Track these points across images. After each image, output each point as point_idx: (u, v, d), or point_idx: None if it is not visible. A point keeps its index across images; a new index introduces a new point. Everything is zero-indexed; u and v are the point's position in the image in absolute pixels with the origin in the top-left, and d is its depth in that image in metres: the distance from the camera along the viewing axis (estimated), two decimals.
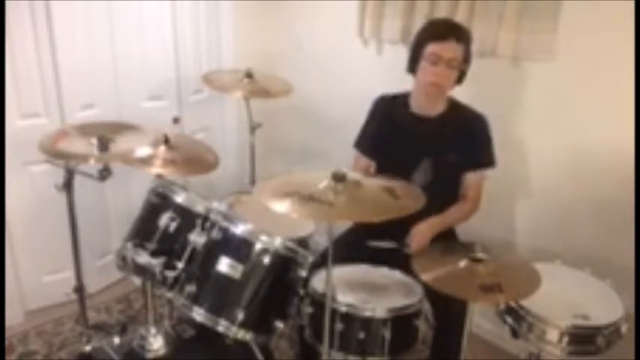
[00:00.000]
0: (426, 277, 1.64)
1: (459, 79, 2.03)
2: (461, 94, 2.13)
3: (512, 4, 2.19)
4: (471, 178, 2.10)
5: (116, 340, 1.87)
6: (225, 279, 1.73)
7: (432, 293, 1.73)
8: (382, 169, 2.21)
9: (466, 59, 2.00)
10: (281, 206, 1.49)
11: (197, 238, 1.77)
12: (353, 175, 1.61)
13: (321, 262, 1.77)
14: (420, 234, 1.98)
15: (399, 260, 1.93)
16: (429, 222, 2.01)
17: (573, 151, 2.22)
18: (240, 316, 1.72)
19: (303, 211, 1.50)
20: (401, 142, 2.13)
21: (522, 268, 1.75)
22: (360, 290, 1.81)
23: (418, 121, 2.11)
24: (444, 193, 2.08)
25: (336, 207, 1.49)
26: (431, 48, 1.96)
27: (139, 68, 2.80)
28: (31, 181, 2.52)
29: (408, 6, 2.53)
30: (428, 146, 2.09)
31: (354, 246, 2.02)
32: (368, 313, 1.69)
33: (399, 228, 2.02)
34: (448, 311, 1.85)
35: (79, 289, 2.19)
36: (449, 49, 1.95)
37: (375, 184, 1.67)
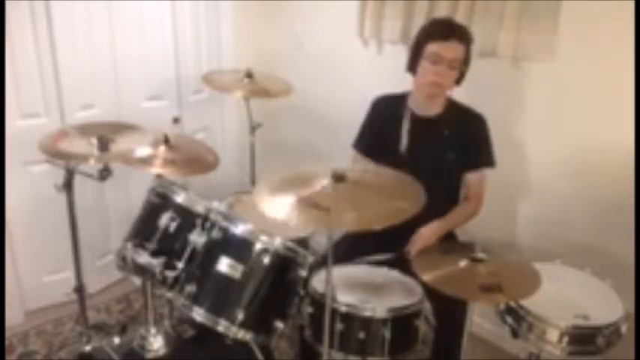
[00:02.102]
0: (426, 277, 1.64)
1: (458, 80, 2.03)
2: (461, 94, 2.13)
3: (512, 4, 2.19)
4: (471, 177, 2.11)
5: (116, 340, 1.87)
6: (225, 279, 1.73)
7: (432, 293, 1.73)
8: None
9: (466, 60, 2.00)
10: (280, 212, 1.49)
11: (197, 238, 1.77)
12: (353, 174, 1.60)
13: (321, 262, 1.78)
14: (423, 239, 1.96)
15: (398, 262, 1.93)
16: (431, 226, 2.00)
17: (573, 151, 2.22)
18: (240, 316, 1.72)
19: (303, 218, 1.49)
20: (400, 142, 2.13)
21: (522, 268, 1.75)
22: (360, 290, 1.81)
23: (417, 121, 2.11)
24: (443, 193, 2.08)
25: (335, 213, 1.47)
26: (432, 47, 1.96)
27: (139, 68, 2.80)
28: (31, 181, 2.52)
29: (408, 6, 2.53)
30: (427, 146, 2.09)
31: (353, 249, 2.02)
32: (368, 313, 1.69)
33: (398, 234, 2.01)
34: (448, 311, 1.85)
35: (79, 289, 2.19)
36: (450, 49, 1.95)
37: (375, 183, 1.67)
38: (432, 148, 2.08)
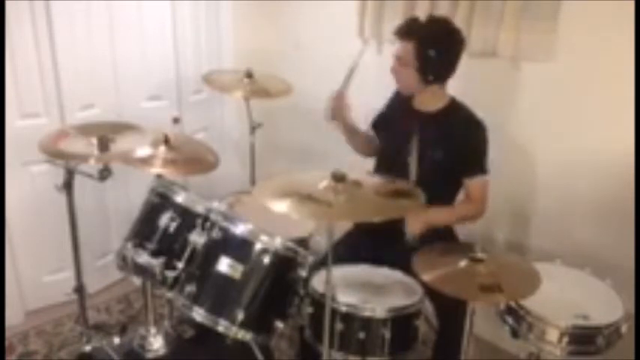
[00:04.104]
0: (426, 277, 1.64)
1: (425, 74, 2.00)
2: (461, 94, 2.12)
3: (512, 4, 2.19)
4: (471, 183, 2.08)
5: (116, 340, 1.87)
6: (225, 279, 1.73)
7: (432, 293, 1.73)
8: (380, 154, 2.27)
9: (420, 55, 1.98)
10: (280, 206, 1.50)
11: (197, 238, 1.77)
12: (353, 174, 1.61)
13: (321, 262, 1.78)
14: (415, 217, 1.96)
15: (398, 261, 1.93)
16: (432, 210, 1.96)
17: (573, 151, 2.22)
18: (240, 316, 1.72)
19: (303, 211, 1.50)
20: (401, 136, 2.13)
21: (522, 268, 1.75)
22: (360, 290, 1.81)
23: (415, 115, 2.13)
24: (438, 189, 2.06)
25: (335, 207, 1.49)
26: None
27: (139, 68, 2.81)
28: (31, 181, 2.52)
29: (408, 6, 2.53)
30: (423, 141, 2.07)
31: (354, 249, 2.02)
32: (368, 313, 1.69)
33: (399, 235, 2.01)
34: (449, 311, 1.85)
35: (79, 289, 2.19)
36: (398, 49, 2.06)
37: (375, 184, 1.67)
38: (427, 143, 2.06)
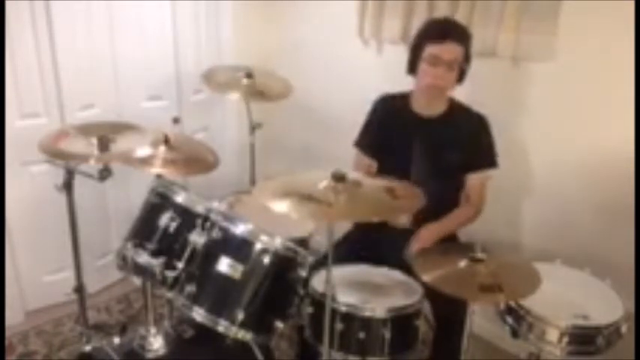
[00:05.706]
0: (426, 277, 1.64)
1: (460, 79, 2.02)
2: (461, 94, 2.13)
3: (512, 4, 2.19)
4: (472, 179, 2.10)
5: (116, 340, 1.87)
6: (225, 279, 1.73)
7: (432, 293, 1.73)
8: (383, 169, 2.21)
9: (466, 58, 1.99)
10: (281, 206, 1.50)
11: (197, 238, 1.77)
12: (353, 175, 1.61)
13: (322, 262, 1.78)
14: (421, 241, 1.96)
15: (398, 261, 1.93)
16: (430, 228, 2.00)
17: (573, 151, 2.22)
18: (240, 316, 1.71)
19: (303, 211, 1.50)
20: (402, 142, 2.12)
21: (522, 268, 1.75)
22: (360, 290, 1.81)
23: (419, 121, 2.11)
24: (446, 194, 2.08)
25: (335, 207, 1.49)
26: (430, 49, 1.96)
27: (139, 68, 2.80)
28: (31, 181, 2.52)
29: (407, 6, 2.54)
30: (428, 146, 2.09)
31: (354, 250, 2.02)
32: (368, 313, 1.69)
33: (399, 235, 2.01)
34: (448, 311, 1.85)
35: (79, 289, 2.19)
36: (448, 51, 1.94)
37: (375, 184, 1.67)
38: (434, 148, 2.08)
